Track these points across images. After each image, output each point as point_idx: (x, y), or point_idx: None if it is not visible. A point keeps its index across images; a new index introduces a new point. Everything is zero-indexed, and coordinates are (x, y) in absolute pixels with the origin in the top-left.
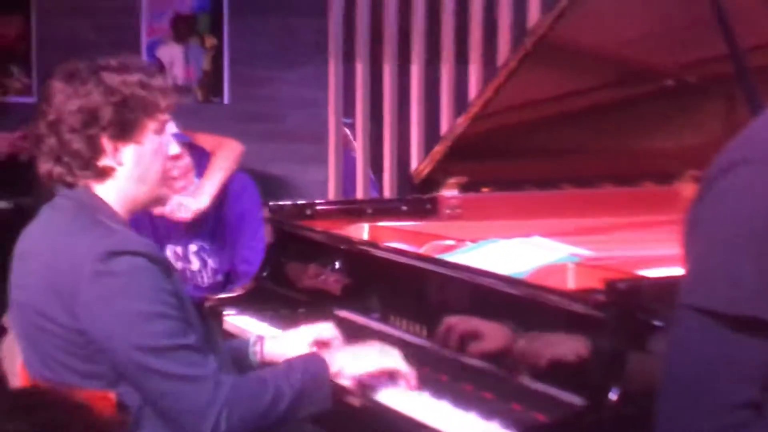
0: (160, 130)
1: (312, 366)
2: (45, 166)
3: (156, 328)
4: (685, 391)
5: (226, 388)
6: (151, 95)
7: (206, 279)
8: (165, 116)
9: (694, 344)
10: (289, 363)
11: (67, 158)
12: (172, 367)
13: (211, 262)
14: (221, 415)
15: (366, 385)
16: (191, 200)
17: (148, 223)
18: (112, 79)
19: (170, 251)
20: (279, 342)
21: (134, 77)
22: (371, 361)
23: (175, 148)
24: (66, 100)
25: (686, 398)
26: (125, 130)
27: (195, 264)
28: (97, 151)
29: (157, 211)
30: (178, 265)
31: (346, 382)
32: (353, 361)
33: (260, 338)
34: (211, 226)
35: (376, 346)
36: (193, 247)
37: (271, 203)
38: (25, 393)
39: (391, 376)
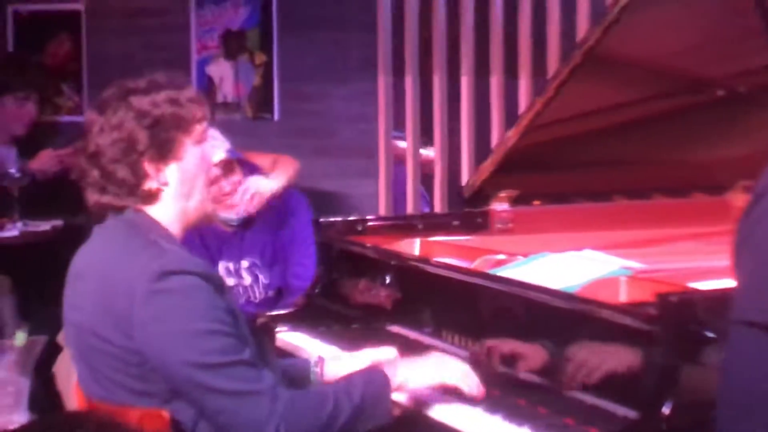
0: (200, 140)
1: (373, 380)
2: (93, 197)
3: (211, 345)
4: (742, 405)
5: (283, 402)
6: (183, 110)
7: (258, 294)
8: (202, 126)
9: (749, 358)
10: (350, 377)
11: (112, 187)
12: (228, 383)
13: (262, 278)
14: (279, 429)
15: (421, 399)
16: (264, 181)
17: (199, 241)
18: (140, 102)
19: (222, 267)
20: (340, 363)
21: (162, 95)
22: (433, 375)
23: (219, 154)
24: (101, 132)
25: (743, 412)
26: (163, 150)
27: (247, 279)
28: (140, 176)
29: (227, 204)
30: (231, 281)
31: (406, 396)
32: (415, 375)
33: (321, 359)
34: (263, 242)
35: (437, 357)
36: (245, 263)
37: (321, 220)
38: (81, 416)
39: (453, 390)
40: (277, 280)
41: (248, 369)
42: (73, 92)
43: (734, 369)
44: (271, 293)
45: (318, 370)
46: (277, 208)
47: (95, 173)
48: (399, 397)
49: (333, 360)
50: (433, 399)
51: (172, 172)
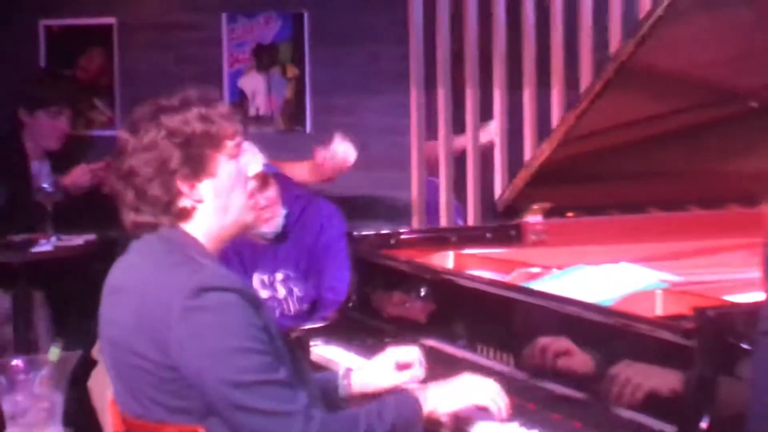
0: (235, 155)
1: (405, 405)
2: (128, 217)
3: (246, 363)
4: None
5: (317, 423)
6: (214, 126)
7: (292, 307)
8: (235, 140)
9: None
10: (383, 401)
11: (146, 207)
12: (263, 402)
13: (297, 291)
14: None
15: (456, 419)
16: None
17: (233, 254)
18: (171, 120)
19: (257, 280)
20: (366, 372)
21: (193, 113)
22: (464, 398)
23: (255, 167)
24: (134, 152)
25: None
26: (196, 167)
27: (281, 292)
28: (174, 194)
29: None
30: (265, 293)
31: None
32: (446, 400)
33: (348, 371)
34: (297, 254)
35: (469, 378)
36: (279, 276)
37: (354, 233)
38: None
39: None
40: (312, 292)
41: (283, 388)
42: (105, 106)
43: (759, 379)
44: (305, 306)
45: (346, 382)
46: (310, 221)
47: (130, 193)
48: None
49: (359, 370)
50: (468, 418)
51: (206, 188)
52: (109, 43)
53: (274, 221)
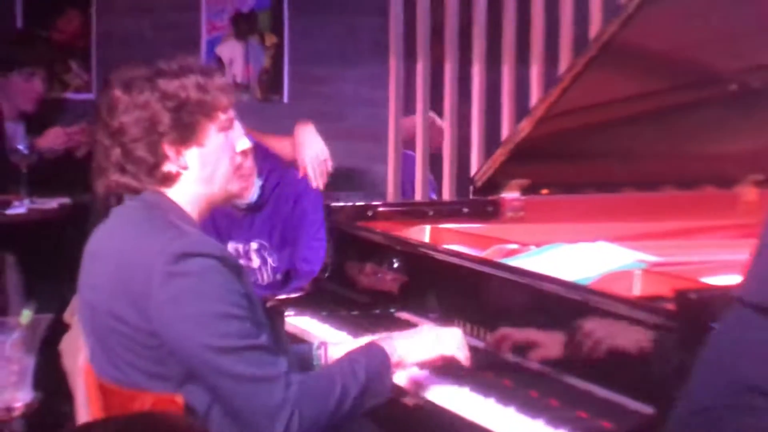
0: (225, 128)
1: (373, 358)
2: (113, 177)
3: (228, 328)
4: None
5: (296, 387)
6: (209, 96)
7: (266, 277)
8: (227, 114)
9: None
10: (352, 357)
11: (132, 167)
12: (244, 367)
13: (271, 261)
14: (293, 415)
15: (429, 387)
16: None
17: (210, 221)
18: (168, 84)
19: (231, 249)
20: (343, 348)
21: (191, 80)
22: (430, 348)
23: (244, 143)
24: (125, 110)
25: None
26: (185, 134)
27: (255, 262)
28: (160, 157)
29: None
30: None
31: (407, 381)
32: (413, 349)
33: (324, 343)
34: (271, 225)
35: (430, 329)
36: (254, 245)
37: (331, 204)
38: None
39: (449, 362)
40: (286, 263)
41: (264, 354)
42: (81, 70)
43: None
44: (279, 276)
45: (321, 353)
46: (286, 191)
47: (117, 151)
48: (408, 386)
49: (336, 345)
50: (445, 390)
51: (192, 156)
52: (87, 5)
53: (248, 192)
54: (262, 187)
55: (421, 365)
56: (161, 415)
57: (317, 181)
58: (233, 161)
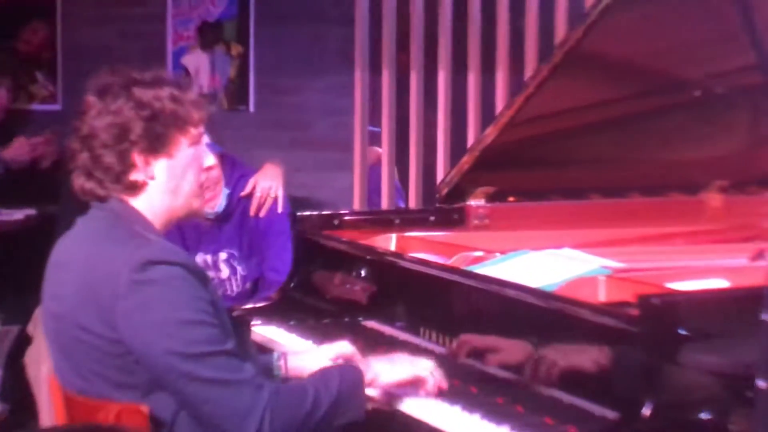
0: (194, 142)
1: (348, 375)
2: (78, 181)
3: (195, 335)
4: None
5: (267, 392)
6: (183, 109)
7: (235, 287)
8: (198, 129)
9: None
10: (326, 371)
11: (98, 173)
12: (213, 372)
13: (240, 270)
14: (264, 419)
15: (398, 397)
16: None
17: (177, 232)
18: (143, 94)
19: (200, 260)
20: (303, 358)
21: (165, 91)
22: (404, 370)
23: (210, 160)
24: (98, 115)
25: None
26: (156, 144)
27: (225, 272)
28: (128, 165)
29: None
30: (208, 273)
31: (378, 391)
32: (387, 370)
33: (283, 354)
34: (240, 234)
35: (405, 355)
36: (223, 255)
37: (298, 213)
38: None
39: (421, 385)
40: (255, 271)
41: (231, 359)
42: (47, 81)
43: None
44: (248, 285)
45: (281, 364)
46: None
47: (85, 156)
48: (375, 394)
49: (295, 355)
50: (410, 396)
51: (160, 167)
52: (53, 16)
53: (214, 201)
54: (230, 196)
55: (394, 386)
56: (123, 429)
57: (254, 204)
58: (199, 176)
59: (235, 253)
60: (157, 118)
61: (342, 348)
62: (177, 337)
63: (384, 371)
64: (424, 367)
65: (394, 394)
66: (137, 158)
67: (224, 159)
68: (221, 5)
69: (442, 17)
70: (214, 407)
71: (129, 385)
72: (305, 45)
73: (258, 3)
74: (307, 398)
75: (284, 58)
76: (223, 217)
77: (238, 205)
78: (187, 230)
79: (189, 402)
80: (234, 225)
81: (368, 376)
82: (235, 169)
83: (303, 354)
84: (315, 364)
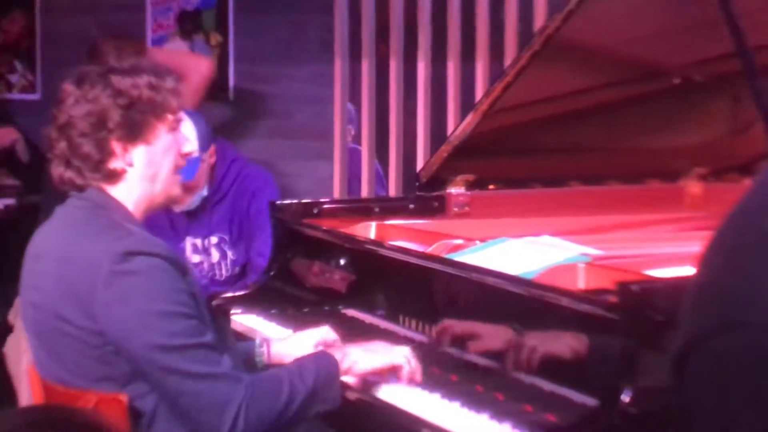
0: (171, 129)
1: (323, 364)
2: (57, 170)
3: (174, 327)
4: None
5: (244, 385)
6: (160, 96)
7: (224, 272)
8: (177, 116)
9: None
10: (301, 361)
11: (77, 161)
12: (191, 365)
13: (230, 254)
14: (240, 413)
15: (376, 384)
16: None
17: (165, 218)
18: (120, 82)
19: (189, 244)
20: (285, 344)
21: (143, 79)
22: (381, 357)
23: (189, 146)
24: (75, 104)
25: None
26: (134, 131)
27: (215, 256)
28: (106, 153)
29: None
30: (197, 258)
31: (354, 378)
32: (364, 357)
33: (266, 340)
34: (231, 218)
35: (382, 343)
36: (213, 239)
37: (277, 202)
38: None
39: (398, 372)
40: (243, 256)
41: (210, 351)
42: (26, 70)
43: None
44: (237, 270)
45: (264, 350)
46: (245, 185)
47: (62, 144)
48: (354, 379)
49: (277, 341)
50: (390, 386)
51: (139, 154)
52: (31, 5)
53: (192, 196)
54: (223, 179)
55: (371, 374)
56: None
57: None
58: (176, 162)
59: (226, 238)
60: (135, 105)
61: (324, 334)
62: (156, 328)
63: (361, 359)
64: (401, 354)
65: (371, 381)
66: (115, 146)
67: (217, 143)
68: None
69: (422, 5)
70: (190, 400)
71: (108, 376)
72: (285, 34)
73: None
74: (282, 391)
75: (263, 47)
76: (215, 201)
77: (230, 189)
78: (176, 216)
79: (167, 394)
80: (225, 208)
81: (345, 364)
82: (228, 152)
83: (285, 340)
84: (297, 350)
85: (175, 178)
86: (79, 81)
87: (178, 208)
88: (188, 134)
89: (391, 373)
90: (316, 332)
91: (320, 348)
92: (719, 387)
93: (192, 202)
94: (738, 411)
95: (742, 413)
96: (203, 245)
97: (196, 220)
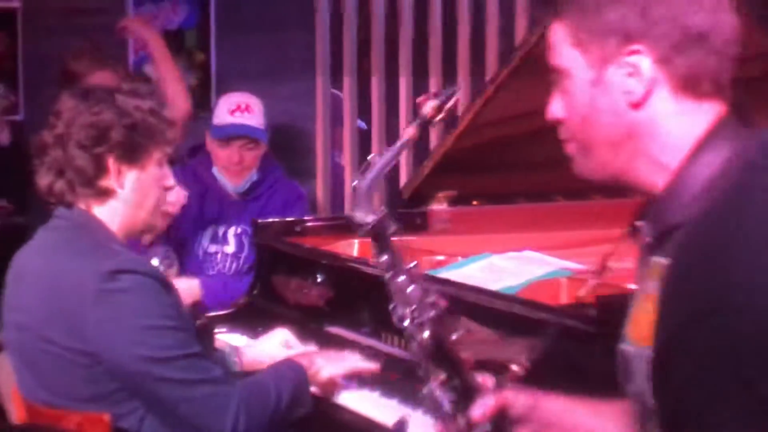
0: (161, 162)
1: (295, 370)
2: (46, 179)
3: (165, 340)
4: None
5: (238, 389)
6: (161, 124)
7: (234, 265)
8: (168, 148)
9: None
10: (276, 368)
11: (70, 173)
12: (186, 373)
13: (246, 248)
14: (239, 415)
15: (339, 389)
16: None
17: (197, 209)
18: (125, 102)
19: (210, 233)
20: (255, 350)
21: (147, 104)
22: (343, 364)
23: (171, 181)
24: (77, 115)
25: None
26: (132, 153)
27: (231, 246)
28: (101, 170)
29: None
30: (212, 248)
31: (317, 385)
32: (326, 365)
33: (235, 348)
34: (259, 216)
35: (336, 351)
36: (237, 229)
37: (259, 221)
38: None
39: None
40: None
41: (201, 360)
42: (9, 91)
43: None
44: (246, 267)
45: (236, 359)
46: (279, 193)
47: (58, 153)
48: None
49: (246, 347)
50: (351, 391)
51: (131, 178)
52: (13, 26)
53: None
54: (263, 181)
55: (335, 378)
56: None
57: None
58: (161, 194)
59: (248, 230)
60: (137, 128)
61: (285, 335)
62: (149, 343)
63: (325, 366)
64: (357, 360)
65: (334, 386)
66: (111, 164)
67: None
68: (182, 14)
69: (403, 22)
70: (189, 406)
71: (94, 397)
72: (266, 52)
73: (219, 11)
74: (270, 393)
75: (246, 66)
76: (253, 197)
77: (267, 191)
78: (209, 205)
79: (164, 405)
80: (258, 207)
81: (312, 370)
82: (269, 159)
83: (254, 346)
84: (268, 354)
85: (158, 210)
86: (83, 96)
87: (146, 240)
88: (256, 112)
89: (352, 378)
90: (280, 333)
91: (287, 349)
92: (701, 375)
93: (244, 183)
94: (721, 394)
95: (726, 397)
96: (223, 234)
97: (229, 208)
